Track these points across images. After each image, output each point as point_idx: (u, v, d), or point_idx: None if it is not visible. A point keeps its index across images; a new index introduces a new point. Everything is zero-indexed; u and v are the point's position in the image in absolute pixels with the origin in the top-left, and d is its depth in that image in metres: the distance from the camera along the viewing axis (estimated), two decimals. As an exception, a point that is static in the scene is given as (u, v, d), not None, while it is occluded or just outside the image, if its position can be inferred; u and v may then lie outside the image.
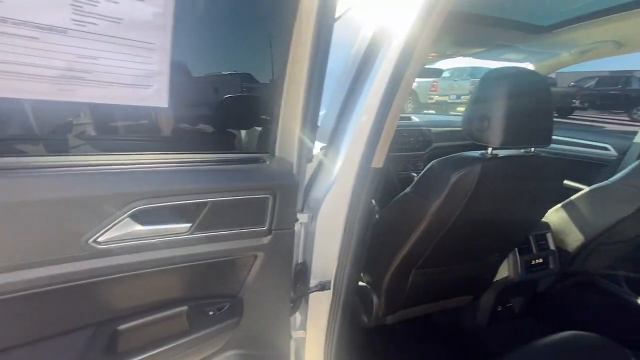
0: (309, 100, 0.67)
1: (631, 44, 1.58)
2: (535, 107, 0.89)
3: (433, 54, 1.83)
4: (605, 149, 1.93)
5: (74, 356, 0.58)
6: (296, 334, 1.08)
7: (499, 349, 1.42)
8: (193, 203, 0.60)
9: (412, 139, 2.23)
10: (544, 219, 1.49)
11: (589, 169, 1.95)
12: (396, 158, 2.15)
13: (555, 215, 1.47)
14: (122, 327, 0.63)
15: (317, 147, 1.02)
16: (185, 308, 0.68)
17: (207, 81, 0.75)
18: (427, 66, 2.04)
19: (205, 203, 0.61)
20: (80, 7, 0.44)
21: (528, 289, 1.55)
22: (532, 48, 1.77)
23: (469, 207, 0.92)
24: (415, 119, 2.37)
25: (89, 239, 0.53)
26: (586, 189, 1.41)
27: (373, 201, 1.29)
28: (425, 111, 9.71)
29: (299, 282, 0.98)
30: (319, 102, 0.72)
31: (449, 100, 9.70)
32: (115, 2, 0.46)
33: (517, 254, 1.36)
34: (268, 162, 0.72)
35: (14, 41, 0.42)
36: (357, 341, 1.24)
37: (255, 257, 0.72)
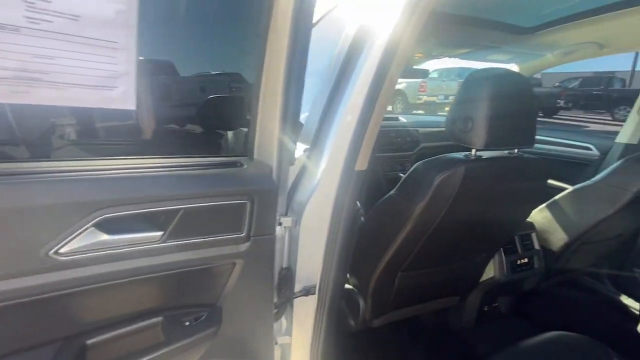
0: (288, 100, 0.65)
1: (612, 46, 1.60)
2: (518, 108, 0.89)
3: (419, 55, 1.83)
4: (588, 148, 1.96)
5: None
6: (282, 339, 1.06)
7: (486, 349, 1.43)
8: (164, 210, 0.57)
9: (399, 139, 2.23)
10: (528, 219, 1.50)
11: (572, 168, 1.98)
12: (384, 159, 2.15)
13: (539, 215, 1.48)
14: (91, 341, 0.60)
15: (301, 149, 1.01)
16: (160, 319, 0.65)
17: (180, 81, 0.71)
18: (413, 67, 2.04)
19: (178, 210, 0.58)
20: (34, 3, 0.41)
21: (514, 288, 1.56)
22: (517, 49, 1.78)
23: (454, 209, 0.91)
24: (402, 119, 2.37)
25: (49, 251, 0.50)
26: (569, 189, 1.42)
27: (358, 204, 1.28)
28: (414, 111, 9.79)
29: (283, 287, 0.96)
30: (300, 102, 0.70)
31: (437, 101, 9.81)
32: (72, -1, 0.43)
33: (503, 254, 1.36)
34: (246, 166, 0.69)
35: (-39, 40, 0.39)
36: (344, 345, 1.23)
37: (234, 264, 0.70)
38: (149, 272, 0.60)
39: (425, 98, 10.18)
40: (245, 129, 0.71)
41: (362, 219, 1.19)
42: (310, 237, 0.93)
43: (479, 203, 0.97)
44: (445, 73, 10.25)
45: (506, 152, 0.98)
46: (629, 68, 12.96)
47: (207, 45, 0.71)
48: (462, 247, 1.17)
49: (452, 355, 1.41)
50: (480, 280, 1.39)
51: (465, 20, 1.40)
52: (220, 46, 0.72)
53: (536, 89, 12.01)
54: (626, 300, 1.66)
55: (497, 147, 0.89)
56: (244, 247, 0.69)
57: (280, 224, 0.92)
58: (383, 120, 2.40)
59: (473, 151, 0.91)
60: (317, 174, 0.91)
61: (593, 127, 9.63)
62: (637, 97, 1.75)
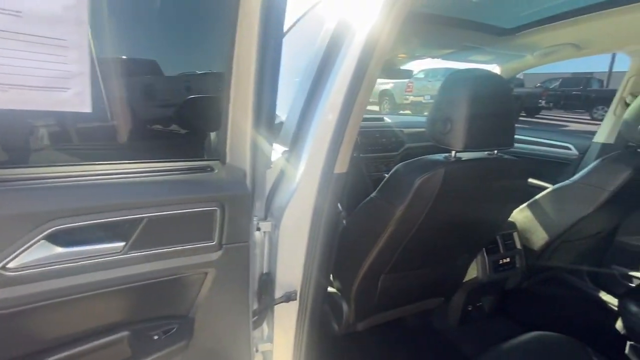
0: (261, 99, 0.62)
1: (589, 47, 1.63)
2: (497, 109, 0.88)
3: (402, 55, 1.82)
4: (568, 148, 1.99)
5: None
6: (263, 346, 1.04)
7: (470, 349, 1.43)
8: (125, 219, 0.54)
9: (384, 140, 2.22)
10: (510, 219, 1.52)
11: (553, 167, 2.02)
12: (369, 159, 2.14)
13: (520, 215, 1.50)
14: (49, 359, 0.56)
15: (281, 151, 0.98)
16: (126, 334, 0.61)
17: (144, 80, 0.67)
18: (398, 67, 2.04)
19: (140, 219, 0.54)
20: (-34, -3, 0.37)
21: (497, 287, 1.57)
22: (498, 50, 1.80)
23: (434, 211, 0.91)
24: (387, 120, 2.37)
25: (-5, 266, 0.46)
26: (549, 188, 1.44)
27: (339, 207, 1.26)
28: (401, 111, 9.88)
29: (264, 293, 0.93)
30: (274, 101, 0.67)
31: (423, 101, 9.92)
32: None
33: (485, 254, 1.37)
34: (216, 171, 0.66)
35: None
36: (328, 350, 1.21)
37: (206, 274, 0.66)
38: (110, 285, 0.56)
39: (412, 98, 10.29)
40: (217, 132, 0.67)
41: (344, 222, 1.17)
42: (290, 241, 0.91)
43: (460, 204, 0.97)
44: (431, 73, 10.38)
45: (486, 153, 0.97)
46: (607, 69, 13.39)
47: (171, 41, 0.67)
48: (445, 248, 1.17)
49: (437, 356, 1.41)
50: (464, 281, 1.40)
51: (447, 21, 1.40)
52: (186, 41, 0.68)
53: (518, 89, 12.36)
54: (605, 296, 1.69)
55: (476, 149, 0.89)
56: (215, 255, 0.65)
57: (258, 229, 0.89)
58: (368, 121, 2.40)
59: (453, 153, 0.90)
60: (296, 177, 0.89)
61: (573, 126, 9.92)
62: (614, 97, 1.79)
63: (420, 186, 0.85)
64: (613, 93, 1.80)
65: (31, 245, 0.47)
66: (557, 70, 13.26)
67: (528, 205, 1.48)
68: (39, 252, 0.48)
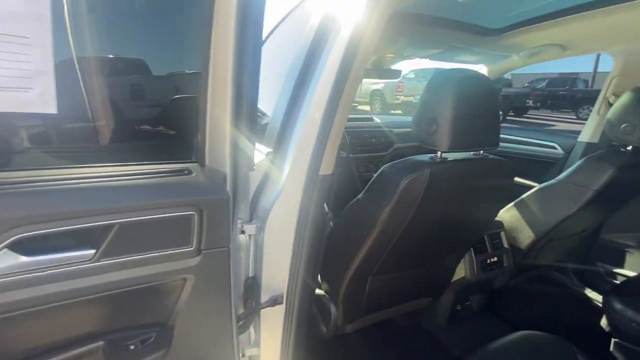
0: (240, 100, 0.60)
1: (573, 48, 1.65)
2: (482, 110, 0.88)
3: (390, 55, 1.82)
4: (554, 147, 2.02)
5: None
6: (250, 351, 1.02)
7: (459, 349, 1.44)
8: (95, 226, 0.51)
9: (373, 140, 2.22)
10: (497, 218, 1.53)
11: (539, 166, 2.04)
12: (358, 159, 2.14)
13: (507, 214, 1.51)
14: (18, 373, 0.53)
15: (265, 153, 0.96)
16: (100, 344, 0.59)
17: (116, 80, 0.64)
18: (387, 67, 2.03)
19: (111, 225, 0.52)
20: None
21: (485, 286, 1.58)
22: (485, 50, 1.81)
23: (421, 212, 0.90)
24: (377, 120, 2.37)
25: (-48, 278, 0.43)
26: (535, 187, 1.46)
27: (326, 208, 1.25)
28: (392, 111, 9.93)
29: (249, 297, 0.92)
30: (255, 99, 0.65)
31: (414, 101, 10.00)
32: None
33: (473, 253, 1.37)
34: (195, 174, 0.64)
35: None
36: (316, 353, 1.20)
37: (185, 280, 0.64)
38: (81, 294, 0.53)
39: (402, 98, 10.36)
40: (195, 133, 0.64)
41: (331, 223, 1.16)
42: (276, 244, 0.89)
43: (446, 205, 0.96)
44: (421, 73, 10.46)
45: (472, 153, 0.97)
46: (592, 70, 13.69)
47: (145, 39, 0.64)
48: (432, 249, 1.17)
49: (426, 356, 1.41)
50: (452, 281, 1.40)
51: (434, 20, 1.40)
52: (161, 40, 0.65)
53: (507, 89, 12.55)
54: (590, 293, 1.72)
55: (462, 149, 0.89)
56: (194, 261, 0.63)
57: (243, 232, 0.87)
58: (357, 121, 2.40)
59: (439, 153, 0.90)
60: (281, 179, 0.87)
61: (560, 125, 10.11)
62: (598, 96, 1.82)
63: (405, 187, 0.84)
64: (598, 93, 1.83)
65: None
66: (544, 71, 13.50)
67: (515, 205, 1.49)
68: (2, 261, 0.46)
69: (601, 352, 1.25)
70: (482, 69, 2.21)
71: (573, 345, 0.92)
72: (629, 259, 1.69)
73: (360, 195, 1.00)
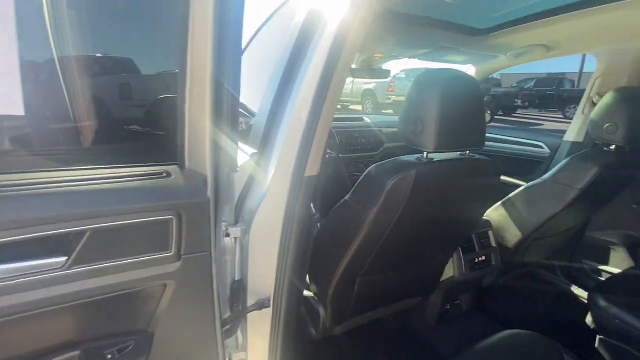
0: (221, 100, 0.58)
1: (558, 49, 1.68)
2: (467, 110, 0.88)
3: (379, 55, 1.82)
4: (540, 146, 2.05)
5: None
6: (237, 356, 1.00)
7: (448, 348, 1.44)
8: (65, 233, 0.49)
9: (364, 140, 2.22)
10: (485, 217, 1.54)
11: (527, 165, 2.07)
12: (348, 159, 2.13)
13: (495, 213, 1.52)
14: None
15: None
16: (76, 353, 0.57)
17: (89, 78, 0.61)
18: (375, 67, 2.03)
19: (83, 232, 0.50)
20: None
21: (474, 285, 1.59)
22: (473, 50, 1.82)
23: (407, 212, 0.90)
24: (367, 119, 2.37)
25: None
26: (522, 187, 1.47)
27: (314, 210, 1.24)
28: (384, 111, 9.97)
29: (236, 301, 0.90)
30: (236, 101, 0.64)
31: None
32: None
33: (461, 253, 1.38)
34: (173, 177, 0.62)
35: None
36: (305, 356, 1.18)
37: (165, 286, 0.62)
38: (54, 303, 0.51)
39: (393, 98, 10.42)
40: (174, 135, 0.62)
41: (319, 225, 1.15)
42: (262, 247, 0.88)
43: (433, 205, 0.96)
44: (412, 73, 10.53)
45: (458, 153, 0.97)
46: (578, 70, 13.97)
47: (121, 35, 0.62)
48: (420, 249, 1.17)
49: (415, 356, 1.41)
50: (441, 280, 1.40)
51: (421, 20, 1.40)
52: (138, 40, 0.63)
53: (496, 89, 12.73)
54: (577, 290, 1.75)
55: (448, 150, 0.88)
56: (173, 267, 0.61)
57: (228, 235, 0.85)
58: (347, 121, 2.39)
59: (425, 154, 0.89)
60: (267, 181, 0.86)
61: (547, 125, 10.29)
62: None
63: (392, 188, 0.84)
64: (584, 92, 1.86)
65: None
66: (532, 71, 13.73)
67: (502, 204, 1.50)
68: (-36, 271, 0.44)
69: (587, 350, 1.27)
70: (471, 69, 2.23)
71: (558, 343, 0.93)
72: (613, 256, 1.72)
73: (347, 197, 0.99)
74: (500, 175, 1.04)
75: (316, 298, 1.21)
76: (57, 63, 0.53)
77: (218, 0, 0.51)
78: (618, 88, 1.27)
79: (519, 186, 1.50)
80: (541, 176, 1.41)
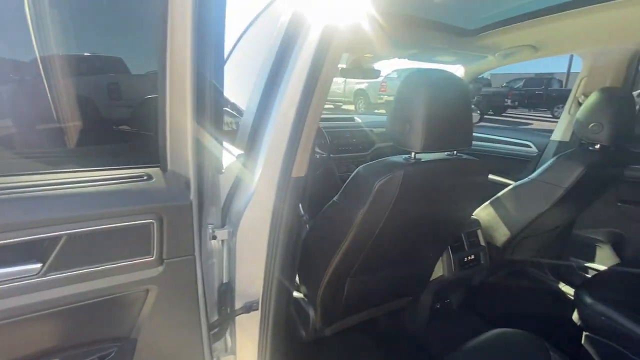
0: (203, 100, 0.57)
1: (545, 49, 1.70)
2: (454, 111, 0.88)
3: (368, 55, 1.82)
4: (528, 146, 2.08)
5: None
6: (225, 359, 0.99)
7: (439, 346, 1.45)
8: (39, 239, 0.47)
9: (354, 140, 2.23)
10: (474, 216, 1.55)
11: (515, 164, 2.10)
12: (339, 160, 2.13)
13: (484, 212, 1.53)
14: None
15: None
16: (54, 362, 0.55)
17: (65, 78, 0.59)
18: (365, 67, 2.03)
19: (59, 237, 0.48)
20: None
21: (463, 284, 1.60)
22: (462, 51, 1.83)
23: (395, 213, 0.90)
24: (357, 119, 2.37)
25: None
26: (510, 186, 1.49)
27: (302, 211, 1.23)
28: (376, 110, 10.01)
29: (223, 304, 0.89)
30: (220, 101, 0.62)
31: (397, 100, 10.09)
32: None
33: (450, 252, 1.39)
34: (154, 179, 0.60)
35: None
36: (295, 357, 1.18)
37: (147, 291, 0.61)
38: (30, 311, 0.49)
39: (385, 98, 10.47)
40: (156, 135, 0.61)
41: (307, 226, 1.14)
42: (249, 249, 0.87)
43: (421, 205, 0.96)
44: (403, 73, 10.57)
45: (445, 154, 0.98)
46: (566, 70, 14.22)
47: (97, 30, 0.60)
48: (409, 249, 1.17)
49: (406, 356, 1.42)
50: (431, 280, 1.41)
51: (410, 20, 1.40)
52: (116, 36, 0.61)
53: (486, 89, 12.87)
54: (564, 287, 1.77)
55: (435, 150, 0.89)
56: (155, 272, 0.60)
57: (214, 237, 0.84)
58: (338, 121, 2.39)
59: (412, 154, 0.89)
60: (253, 182, 0.85)
61: (536, 124, 10.45)
62: None
63: (379, 189, 0.83)
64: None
65: None
66: (521, 71, 13.93)
67: (490, 203, 1.52)
68: None
69: (573, 346, 1.29)
70: (460, 69, 2.25)
71: (545, 341, 0.94)
72: (599, 253, 1.75)
73: (335, 198, 0.98)
74: (488, 174, 1.05)
75: (306, 299, 1.20)
76: (31, 63, 0.51)
77: (197, 2, 0.49)
78: (602, 88, 1.29)
79: (507, 185, 1.52)
80: (529, 175, 1.42)
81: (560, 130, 1.88)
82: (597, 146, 1.31)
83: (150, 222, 0.56)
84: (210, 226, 0.82)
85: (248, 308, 0.89)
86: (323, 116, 2.46)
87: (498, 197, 1.49)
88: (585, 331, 1.26)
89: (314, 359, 1.31)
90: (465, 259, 1.43)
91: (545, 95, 12.38)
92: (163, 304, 0.64)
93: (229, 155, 0.94)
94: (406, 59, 2.12)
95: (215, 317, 0.88)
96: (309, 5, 0.81)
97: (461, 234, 1.44)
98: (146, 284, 0.60)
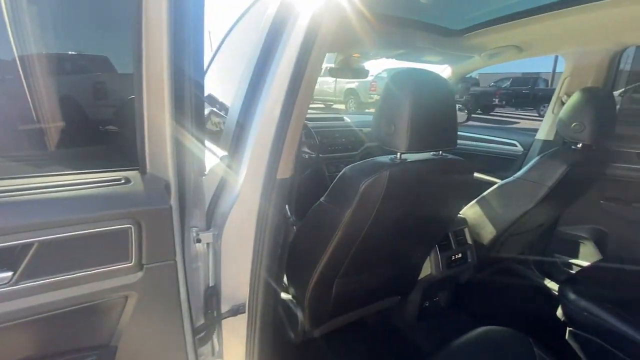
0: (182, 99, 0.55)
1: (529, 50, 1.72)
2: (439, 111, 0.89)
3: (356, 55, 1.82)
4: (514, 145, 2.11)
5: None
6: (212, 363, 0.98)
7: (429, 344, 1.46)
8: (7, 246, 0.46)
9: (344, 139, 2.23)
10: (461, 214, 1.56)
11: (502, 163, 2.13)
12: (329, 159, 2.13)
13: (470, 211, 1.55)
14: None
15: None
16: (29, 373, 0.53)
17: (39, 78, 0.56)
18: (354, 67, 2.03)
19: (30, 244, 0.46)
20: None
21: (451, 282, 1.61)
22: (448, 51, 1.85)
23: (382, 213, 0.90)
24: (347, 119, 2.37)
25: None
26: (496, 184, 1.51)
27: (289, 212, 1.22)
28: (367, 110, 10.06)
29: (209, 308, 0.88)
30: (201, 101, 0.61)
31: (387, 99, 10.16)
32: None
33: (438, 251, 1.40)
34: (132, 183, 0.59)
35: None
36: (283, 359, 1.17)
37: (126, 297, 0.59)
38: (1, 321, 0.47)
39: (376, 97, 10.53)
40: (134, 138, 0.59)
41: (294, 228, 1.14)
42: (235, 252, 0.86)
43: (407, 205, 0.97)
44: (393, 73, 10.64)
45: (431, 154, 0.98)
46: (551, 70, 14.51)
47: (75, 33, 0.58)
48: (397, 249, 1.17)
49: (396, 355, 1.42)
50: (419, 278, 1.42)
51: (397, 21, 1.40)
52: (93, 35, 0.59)
53: (475, 88, 13.06)
54: (549, 284, 1.81)
55: (420, 150, 0.89)
56: (134, 277, 0.58)
57: (199, 240, 0.83)
58: (327, 121, 2.39)
59: (398, 154, 0.89)
60: (238, 184, 0.84)
61: (523, 122, 10.63)
62: None
63: (365, 190, 0.83)
64: (558, 92, 1.92)
65: None
66: (509, 70, 14.16)
67: (477, 202, 1.54)
68: None
69: (557, 342, 1.31)
70: (448, 69, 2.27)
71: (530, 337, 0.95)
72: (583, 249, 1.79)
73: (322, 198, 0.98)
74: (473, 173, 1.06)
75: (294, 301, 1.19)
76: (6, 65, 0.49)
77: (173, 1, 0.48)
78: (583, 88, 1.32)
79: (494, 184, 1.54)
80: (515, 173, 1.45)
81: (545, 129, 1.92)
82: (580, 145, 1.33)
83: (128, 227, 0.54)
84: (194, 229, 0.80)
85: (235, 311, 0.88)
86: (312, 116, 2.46)
87: (484, 196, 1.51)
88: (569, 326, 1.28)
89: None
90: (453, 258, 1.44)
91: (531, 94, 12.63)
92: (144, 310, 0.62)
93: (214, 157, 0.93)
94: (394, 59, 2.13)
95: (202, 321, 0.87)
96: (294, 1, 0.80)
97: (448, 233, 1.45)
98: (125, 290, 0.58)
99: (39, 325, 0.53)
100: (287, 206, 1.16)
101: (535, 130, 2.02)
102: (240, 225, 0.83)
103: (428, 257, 1.39)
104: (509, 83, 13.43)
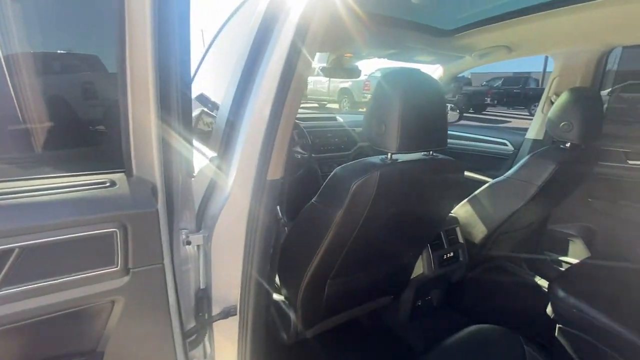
0: (168, 98, 0.54)
1: (518, 50, 1.74)
2: (430, 111, 0.89)
3: (348, 55, 1.82)
4: (504, 144, 2.13)
5: None
6: (204, 366, 0.97)
7: (421, 343, 1.47)
8: None
9: (337, 139, 2.23)
10: (452, 214, 1.58)
11: (493, 162, 2.15)
12: (322, 159, 2.13)
13: (462, 210, 1.56)
14: None
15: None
16: (12, 380, 0.52)
17: (23, 76, 0.55)
18: (346, 66, 2.04)
19: (10, 250, 0.45)
20: None
21: (443, 281, 1.62)
22: (440, 51, 1.86)
23: (373, 214, 0.90)
24: (339, 119, 2.37)
25: None
26: (487, 183, 1.52)
27: (280, 213, 1.22)
28: (360, 109, 10.08)
29: (201, 310, 0.87)
30: (188, 102, 0.60)
31: (380, 99, 10.20)
32: None
33: (430, 250, 1.41)
34: (118, 185, 0.58)
35: None
36: None
37: (113, 302, 0.58)
38: None
39: (369, 96, 10.54)
40: (119, 140, 0.58)
41: (286, 229, 1.13)
42: (226, 254, 0.85)
43: (398, 205, 0.97)
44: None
45: (422, 154, 0.98)
46: (542, 69, 14.70)
47: (61, 30, 0.56)
48: (389, 248, 1.17)
49: (389, 353, 1.43)
50: (411, 278, 1.42)
51: (388, 20, 1.41)
52: (79, 33, 0.58)
53: (467, 88, 13.18)
54: (540, 281, 1.83)
55: (411, 150, 0.89)
56: (121, 282, 0.57)
57: (189, 242, 0.82)
58: (320, 121, 2.38)
59: (389, 155, 0.90)
60: (228, 185, 0.83)
61: (515, 122, 10.75)
62: None
63: (356, 190, 0.83)
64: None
65: None
66: (500, 70, 14.31)
67: (468, 201, 1.55)
68: None
69: (547, 339, 1.33)
70: (439, 69, 2.28)
71: (520, 334, 0.96)
72: (572, 247, 1.82)
73: (314, 199, 0.98)
74: (463, 172, 1.06)
75: (287, 302, 1.19)
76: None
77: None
78: (572, 88, 1.33)
79: (485, 183, 1.55)
80: (506, 172, 1.46)
81: (535, 128, 1.94)
82: (568, 144, 1.35)
83: (113, 231, 0.53)
84: (184, 231, 0.79)
85: (226, 313, 0.87)
86: (305, 116, 2.46)
87: (475, 195, 1.52)
88: (559, 324, 1.30)
89: None
90: (445, 257, 1.45)
91: (522, 93, 12.78)
92: (131, 314, 0.61)
93: (204, 158, 0.92)
94: (386, 59, 2.14)
95: (192, 324, 0.86)
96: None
97: (440, 232, 1.46)
98: (111, 295, 0.57)
99: (23, 332, 0.52)
100: (278, 207, 1.15)
101: (526, 129, 2.04)
102: (230, 227, 0.83)
103: (420, 257, 1.40)
104: (500, 82, 13.57)
